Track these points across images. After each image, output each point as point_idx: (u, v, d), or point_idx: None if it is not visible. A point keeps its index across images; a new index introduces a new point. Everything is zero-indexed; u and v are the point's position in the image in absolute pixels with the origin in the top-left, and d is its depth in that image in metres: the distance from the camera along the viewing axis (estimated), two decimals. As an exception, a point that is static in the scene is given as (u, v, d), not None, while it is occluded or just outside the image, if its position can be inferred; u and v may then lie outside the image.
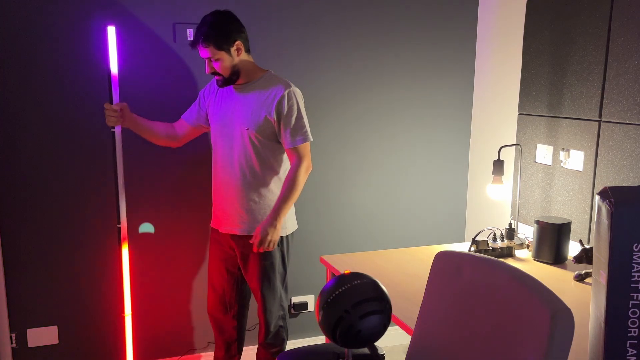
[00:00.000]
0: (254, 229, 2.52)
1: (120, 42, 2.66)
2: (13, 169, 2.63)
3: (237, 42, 2.41)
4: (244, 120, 2.45)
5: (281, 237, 2.55)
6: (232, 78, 2.44)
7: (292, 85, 2.47)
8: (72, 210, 2.73)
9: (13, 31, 2.53)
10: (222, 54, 2.38)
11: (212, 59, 2.39)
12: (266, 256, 2.53)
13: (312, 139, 2.49)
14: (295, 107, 2.44)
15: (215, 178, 2.59)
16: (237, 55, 2.42)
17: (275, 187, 2.52)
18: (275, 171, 2.51)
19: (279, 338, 2.67)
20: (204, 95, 2.62)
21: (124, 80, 2.66)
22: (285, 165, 2.56)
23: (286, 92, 2.42)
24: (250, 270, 2.57)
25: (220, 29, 2.38)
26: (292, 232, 2.63)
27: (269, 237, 2.43)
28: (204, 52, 2.39)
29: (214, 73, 2.43)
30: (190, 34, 2.75)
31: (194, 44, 2.41)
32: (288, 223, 2.59)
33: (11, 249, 2.66)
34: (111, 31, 2.41)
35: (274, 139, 2.47)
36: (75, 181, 2.72)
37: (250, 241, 2.45)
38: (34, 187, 2.66)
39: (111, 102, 2.41)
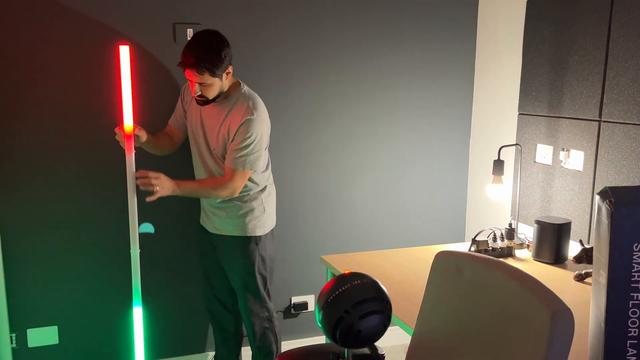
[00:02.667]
0: (226, 228, 2.54)
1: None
2: (14, 170, 2.63)
3: (229, 67, 2.36)
4: (210, 141, 2.47)
5: (254, 238, 2.55)
6: (215, 99, 2.41)
7: (259, 108, 2.42)
8: (72, 210, 2.73)
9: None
10: (215, 80, 2.32)
11: (202, 84, 2.31)
12: (244, 255, 2.55)
13: (254, 170, 2.44)
14: (251, 136, 2.38)
15: (196, 177, 2.63)
16: (226, 78, 2.38)
17: (249, 185, 2.51)
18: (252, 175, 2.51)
19: (267, 341, 2.67)
20: (182, 98, 2.62)
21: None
22: (266, 170, 2.59)
23: (247, 120, 2.37)
24: (230, 271, 2.60)
25: (217, 55, 2.29)
26: (272, 230, 2.64)
27: (155, 185, 2.29)
28: (195, 77, 2.28)
29: (201, 96, 2.36)
30: (190, 34, 2.74)
31: (185, 66, 2.29)
32: (267, 223, 2.59)
33: (11, 249, 2.66)
34: (124, 51, 2.23)
35: None
36: (76, 181, 2.72)
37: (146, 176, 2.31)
38: (34, 188, 2.66)
39: (125, 125, 2.30)
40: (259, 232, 2.56)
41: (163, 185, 2.33)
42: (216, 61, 2.28)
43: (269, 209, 2.61)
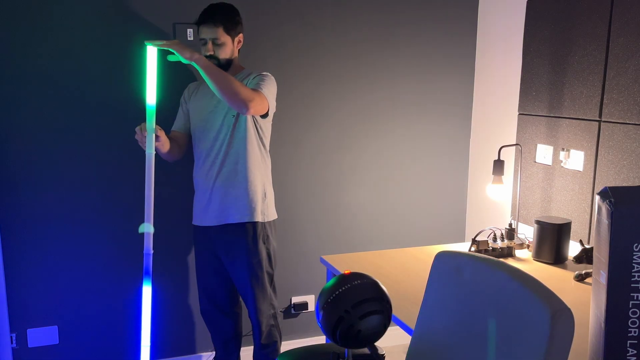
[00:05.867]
0: (234, 216, 2.51)
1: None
2: (14, 169, 2.63)
3: (240, 35, 2.51)
4: (229, 110, 2.46)
5: (260, 225, 2.54)
6: (224, 67, 2.47)
7: (269, 73, 2.55)
8: (72, 211, 2.73)
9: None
10: (227, 39, 2.44)
11: (215, 41, 2.42)
12: (253, 254, 2.54)
13: (269, 105, 2.43)
14: (264, 75, 2.48)
15: (197, 172, 2.60)
16: (237, 47, 2.51)
17: (258, 172, 2.52)
18: (256, 157, 2.52)
19: (272, 338, 2.67)
20: (184, 99, 2.65)
21: (123, 81, 2.66)
22: (267, 152, 2.60)
23: (259, 73, 2.50)
24: (238, 271, 2.58)
25: (232, 16, 2.45)
26: (273, 220, 2.63)
27: (176, 44, 2.19)
28: (210, 32, 2.40)
29: (212, 56, 2.43)
30: (190, 34, 2.74)
31: (201, 22, 2.42)
32: (268, 210, 2.58)
33: (11, 249, 2.66)
34: (152, 51, 2.16)
35: (256, 125, 2.51)
36: (77, 181, 2.72)
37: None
38: (34, 187, 2.66)
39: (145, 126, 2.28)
40: (257, 219, 2.53)
41: (180, 50, 2.19)
42: (231, 18, 2.44)
43: (270, 197, 2.61)
